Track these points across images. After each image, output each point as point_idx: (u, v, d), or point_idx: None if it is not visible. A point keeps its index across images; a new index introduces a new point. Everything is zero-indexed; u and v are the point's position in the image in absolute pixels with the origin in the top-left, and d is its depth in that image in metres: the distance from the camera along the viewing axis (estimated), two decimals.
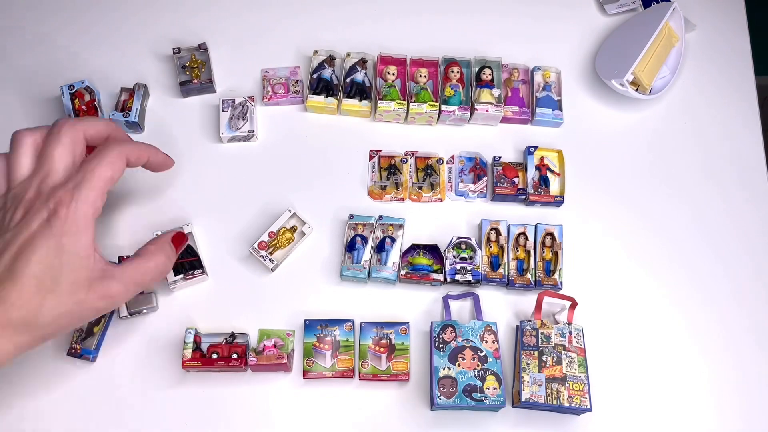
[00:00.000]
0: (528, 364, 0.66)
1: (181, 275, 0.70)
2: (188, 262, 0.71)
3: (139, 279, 0.59)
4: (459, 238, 0.73)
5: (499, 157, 0.77)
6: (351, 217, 0.73)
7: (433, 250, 0.73)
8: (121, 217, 0.74)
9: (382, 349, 0.69)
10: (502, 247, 0.73)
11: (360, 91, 0.79)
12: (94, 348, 0.68)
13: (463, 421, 0.68)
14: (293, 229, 0.73)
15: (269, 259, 0.71)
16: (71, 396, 0.68)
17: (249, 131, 0.76)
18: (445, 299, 0.72)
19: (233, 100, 0.78)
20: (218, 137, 0.78)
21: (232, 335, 0.69)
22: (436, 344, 0.67)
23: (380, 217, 0.74)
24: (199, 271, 0.71)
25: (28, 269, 0.52)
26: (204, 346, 0.68)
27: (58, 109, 0.78)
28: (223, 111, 0.77)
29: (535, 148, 0.78)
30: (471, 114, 0.79)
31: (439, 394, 0.65)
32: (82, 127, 0.60)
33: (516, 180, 0.77)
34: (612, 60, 0.81)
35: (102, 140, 0.62)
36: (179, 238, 0.66)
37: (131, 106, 0.76)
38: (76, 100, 0.75)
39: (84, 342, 0.68)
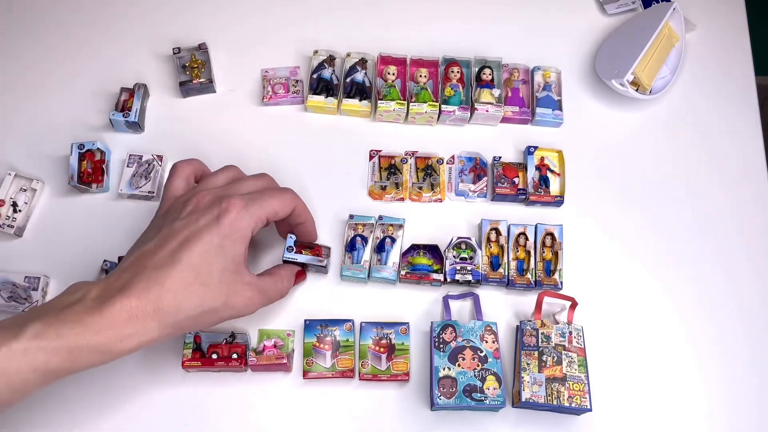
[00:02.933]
0: (528, 364, 0.66)
1: None
2: None
3: (270, 294, 0.64)
4: (459, 238, 0.73)
5: (499, 157, 0.77)
6: (351, 217, 0.73)
7: (433, 250, 0.73)
8: (121, 217, 0.74)
9: (382, 349, 0.69)
10: (502, 247, 0.73)
11: (360, 91, 0.79)
12: None
13: (463, 421, 0.68)
14: None
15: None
16: (71, 396, 0.68)
17: (149, 192, 0.74)
18: (445, 299, 0.72)
19: (140, 157, 0.75)
20: (218, 137, 0.78)
21: (232, 335, 0.69)
22: (436, 344, 0.67)
23: (380, 217, 0.74)
24: None
25: (190, 259, 0.56)
26: (204, 346, 0.68)
27: (59, 110, 0.78)
28: (127, 166, 0.74)
29: (535, 148, 0.78)
30: (471, 114, 0.79)
31: (439, 394, 0.65)
32: (297, 201, 0.66)
33: (516, 180, 0.77)
34: (612, 60, 0.81)
35: (299, 222, 0.68)
36: (300, 274, 0.71)
37: (131, 106, 0.76)
38: (84, 162, 0.73)
39: None
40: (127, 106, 0.76)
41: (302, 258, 0.69)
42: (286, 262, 0.69)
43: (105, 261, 0.71)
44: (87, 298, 0.54)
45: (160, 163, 0.75)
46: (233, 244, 0.58)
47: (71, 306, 0.54)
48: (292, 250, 0.70)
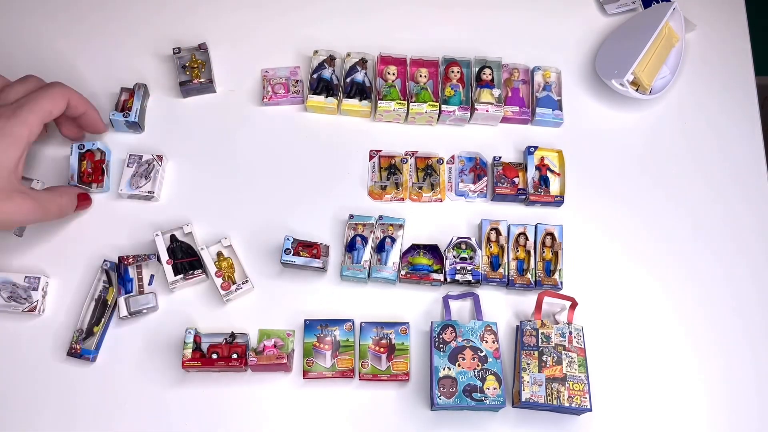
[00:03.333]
0: (528, 364, 0.66)
1: (181, 275, 0.70)
2: (188, 262, 0.71)
3: (48, 207, 0.65)
4: (459, 238, 0.73)
5: (499, 157, 0.77)
6: (351, 217, 0.73)
7: (433, 250, 0.73)
8: (121, 217, 0.74)
9: (382, 349, 0.69)
10: (502, 247, 0.73)
11: (360, 91, 0.79)
12: (94, 348, 0.68)
13: (463, 421, 0.68)
14: (220, 255, 0.72)
15: (241, 286, 0.70)
16: (71, 396, 0.68)
17: (149, 192, 0.74)
18: (445, 299, 0.72)
19: (140, 157, 0.75)
20: (218, 137, 0.78)
21: (232, 335, 0.69)
22: (436, 344, 0.67)
23: (380, 217, 0.74)
24: (199, 271, 0.71)
25: None
26: (204, 346, 0.68)
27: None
28: (127, 166, 0.75)
29: (535, 148, 0.78)
30: (471, 114, 0.79)
31: (439, 394, 0.65)
32: (69, 93, 0.67)
33: (516, 180, 0.77)
34: (612, 60, 0.81)
35: (78, 113, 0.69)
36: (84, 197, 0.72)
37: (131, 106, 0.76)
38: (84, 162, 0.74)
39: (84, 342, 0.68)
40: (127, 106, 0.76)
41: (299, 260, 0.70)
42: (284, 264, 0.70)
43: (105, 261, 0.71)
44: None
45: (160, 163, 0.75)
46: (4, 149, 0.60)
47: None
48: (290, 252, 0.70)
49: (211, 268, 0.71)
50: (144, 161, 0.75)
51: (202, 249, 0.71)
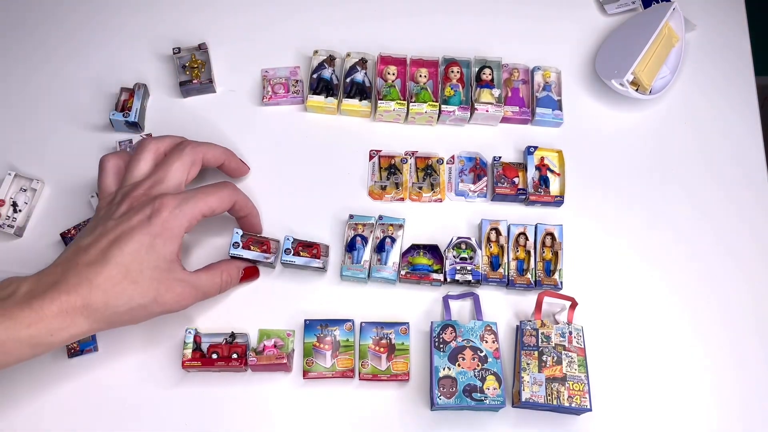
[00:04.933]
0: (528, 364, 0.66)
1: None
2: None
3: (206, 289, 0.66)
4: (459, 238, 0.73)
5: (499, 157, 0.77)
6: (351, 217, 0.73)
7: (433, 250, 0.73)
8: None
9: (382, 349, 0.69)
10: (502, 247, 0.73)
11: (360, 91, 0.79)
12: (91, 339, 0.69)
13: (463, 421, 0.68)
14: None
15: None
16: (72, 396, 0.68)
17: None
18: (445, 299, 0.72)
19: (130, 141, 0.76)
20: (218, 137, 0.78)
21: (232, 335, 0.69)
22: (436, 344, 0.67)
23: (380, 217, 0.74)
24: None
25: (120, 258, 0.58)
26: (204, 346, 0.68)
27: (56, 109, 0.78)
28: None
29: (535, 148, 0.78)
30: (471, 114, 0.79)
31: (439, 394, 0.65)
32: (203, 151, 0.67)
33: (516, 180, 0.77)
34: (612, 60, 0.81)
35: (217, 164, 0.70)
36: (252, 271, 0.72)
37: (131, 106, 0.76)
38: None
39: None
40: (127, 106, 0.76)
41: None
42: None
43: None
44: (18, 293, 0.56)
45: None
46: (164, 242, 0.60)
47: (2, 301, 0.56)
48: (290, 252, 0.70)
49: None
50: (135, 145, 0.75)
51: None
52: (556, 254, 0.73)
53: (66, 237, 0.71)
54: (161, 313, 0.62)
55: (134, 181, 0.64)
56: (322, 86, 0.79)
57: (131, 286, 0.58)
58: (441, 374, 0.65)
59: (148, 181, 0.63)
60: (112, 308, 0.58)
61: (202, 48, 0.80)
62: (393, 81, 0.80)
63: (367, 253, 0.72)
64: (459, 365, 0.66)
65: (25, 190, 0.74)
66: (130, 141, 0.75)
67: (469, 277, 0.71)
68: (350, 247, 0.72)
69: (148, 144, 0.66)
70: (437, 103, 0.78)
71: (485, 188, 0.78)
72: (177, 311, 0.63)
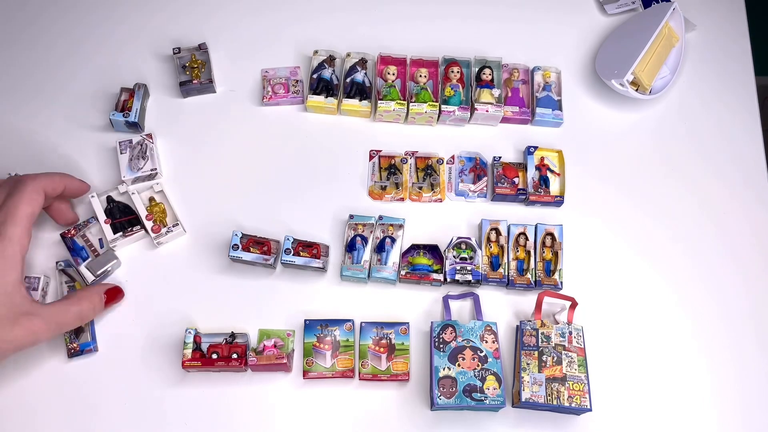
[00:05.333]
0: (528, 364, 0.66)
1: (120, 233, 0.71)
2: (126, 221, 0.72)
3: (62, 320, 0.61)
4: (459, 238, 0.73)
5: (499, 157, 0.77)
6: (351, 217, 0.73)
7: (433, 250, 0.73)
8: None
9: (382, 349, 0.69)
10: (502, 247, 0.73)
11: (360, 91, 0.79)
12: (91, 339, 0.69)
13: (463, 421, 0.68)
14: (152, 200, 0.74)
15: (171, 229, 0.72)
16: (72, 396, 0.68)
17: (152, 170, 0.74)
18: (445, 299, 0.72)
19: (130, 141, 0.75)
20: (218, 137, 0.78)
21: (232, 335, 0.69)
22: (436, 344, 0.67)
23: (380, 217, 0.74)
24: (138, 227, 0.72)
25: None
26: (204, 346, 0.68)
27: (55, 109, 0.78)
28: (121, 153, 0.75)
29: (535, 148, 0.78)
30: (471, 114, 0.79)
31: (439, 394, 0.65)
32: (40, 182, 0.63)
33: (516, 180, 0.77)
34: (612, 60, 0.81)
35: (57, 193, 0.65)
36: (114, 293, 0.69)
37: (131, 106, 0.76)
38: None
39: (79, 338, 0.68)
40: (127, 106, 0.76)
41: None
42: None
43: (57, 262, 0.71)
44: None
45: (151, 140, 0.75)
46: (1, 276, 0.56)
47: None
48: (290, 252, 0.70)
49: (142, 211, 0.72)
50: (135, 143, 0.75)
51: (132, 193, 0.72)
52: (556, 254, 0.73)
53: (66, 237, 0.71)
54: (15, 350, 0.58)
55: None
56: (322, 86, 0.79)
57: None
58: (441, 374, 0.65)
59: None
60: None
61: (202, 48, 0.80)
62: (393, 81, 0.80)
63: (367, 253, 0.72)
64: (459, 365, 0.66)
65: None
66: (130, 141, 0.75)
67: (469, 277, 0.71)
68: (350, 247, 0.72)
69: None
70: (437, 103, 0.78)
71: (485, 188, 0.78)
72: (36, 345, 0.60)
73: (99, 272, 0.69)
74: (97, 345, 0.69)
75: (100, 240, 0.72)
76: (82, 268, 0.70)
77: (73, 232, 0.71)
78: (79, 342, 0.68)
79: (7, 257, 0.57)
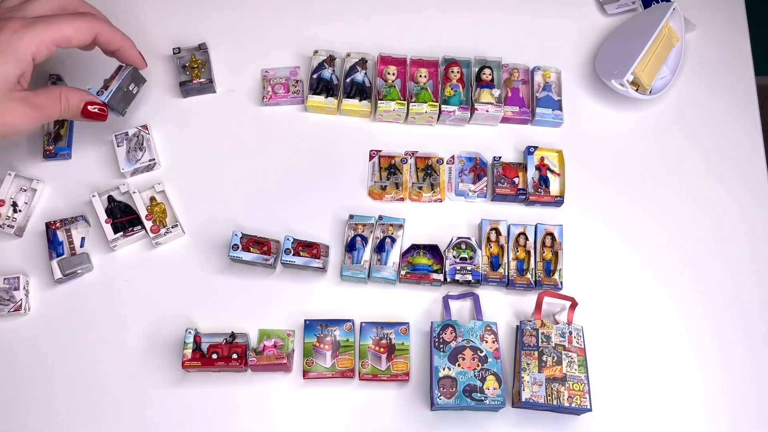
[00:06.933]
0: (528, 364, 0.66)
1: (121, 233, 0.72)
2: (127, 221, 0.72)
3: (48, 111, 0.64)
4: (459, 238, 0.73)
5: (499, 157, 0.77)
6: (351, 217, 0.73)
7: (433, 250, 0.73)
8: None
9: (382, 349, 0.69)
10: (502, 247, 0.73)
11: (360, 91, 0.79)
12: (66, 146, 0.72)
13: (463, 421, 0.68)
14: (153, 200, 0.74)
15: (171, 230, 0.72)
16: (72, 396, 0.68)
17: (150, 160, 0.74)
18: (445, 299, 0.72)
19: (126, 133, 0.75)
20: (220, 136, 0.78)
21: (232, 335, 0.69)
22: (436, 344, 0.67)
23: (380, 217, 0.74)
24: (138, 227, 0.72)
25: None
26: (204, 346, 0.68)
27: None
28: (118, 146, 0.75)
29: (535, 148, 0.78)
30: (471, 114, 0.79)
31: (439, 394, 0.65)
32: (98, 27, 0.65)
33: (516, 180, 0.77)
34: (612, 60, 0.81)
35: (111, 49, 0.68)
36: (95, 113, 0.69)
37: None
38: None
39: (56, 144, 0.72)
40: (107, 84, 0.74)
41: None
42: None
43: (51, 75, 0.77)
44: None
45: (147, 131, 0.75)
46: (5, 63, 0.59)
47: None
48: (290, 252, 0.70)
49: (142, 212, 0.72)
50: (132, 135, 0.75)
51: (133, 192, 0.72)
52: (556, 254, 0.73)
53: (50, 227, 0.72)
54: (5, 134, 0.61)
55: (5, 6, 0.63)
56: (322, 86, 0.79)
57: None
58: (441, 374, 0.65)
59: (15, 9, 0.62)
60: None
61: (202, 48, 0.80)
62: (393, 81, 0.80)
63: (367, 253, 0.72)
64: (459, 365, 0.66)
65: (25, 190, 0.74)
66: (126, 133, 0.75)
67: (469, 277, 0.71)
68: (350, 247, 0.72)
69: None
70: (437, 103, 0.78)
71: (485, 188, 0.78)
72: (22, 131, 0.62)
73: (67, 272, 0.70)
74: (72, 153, 0.71)
75: (83, 239, 0.72)
76: (53, 263, 0.70)
77: (58, 224, 0.71)
78: (55, 146, 0.72)
79: (16, 48, 0.60)
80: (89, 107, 0.68)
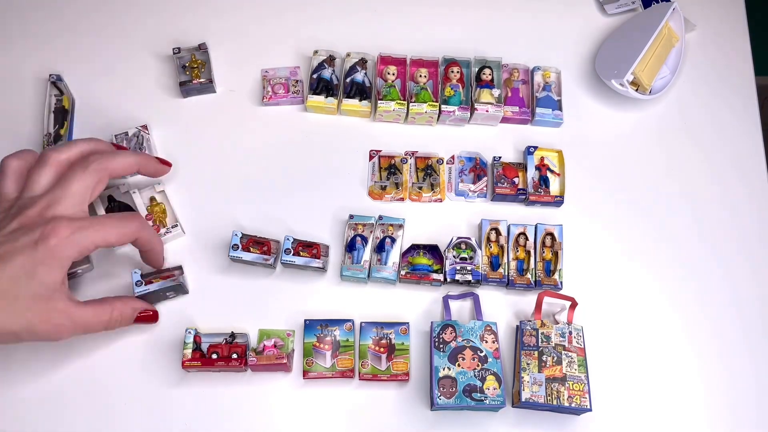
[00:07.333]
0: (528, 364, 0.66)
1: None
2: None
3: (88, 326, 0.62)
4: (459, 238, 0.73)
5: (499, 157, 0.77)
6: (351, 217, 0.73)
7: (433, 250, 0.73)
8: None
9: (382, 349, 0.69)
10: (502, 247, 0.74)
11: (360, 91, 0.79)
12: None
13: (463, 421, 0.68)
14: (153, 200, 0.74)
15: (170, 230, 0.72)
16: (72, 396, 0.68)
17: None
18: (445, 299, 0.72)
19: (126, 133, 0.75)
20: (220, 136, 0.78)
21: (232, 335, 0.69)
22: (436, 344, 0.67)
23: (380, 217, 0.74)
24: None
25: None
26: (204, 346, 0.68)
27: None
28: None
29: (535, 148, 0.78)
30: (471, 114, 0.79)
31: (439, 394, 0.65)
32: (111, 167, 0.63)
33: (516, 180, 0.77)
34: (612, 60, 0.81)
35: (129, 173, 0.67)
36: (149, 317, 0.68)
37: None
38: None
39: (56, 144, 0.73)
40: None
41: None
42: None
43: (50, 75, 0.76)
44: None
45: (147, 131, 0.75)
46: (48, 270, 0.57)
47: None
48: (290, 252, 0.70)
49: (142, 211, 0.72)
50: (132, 135, 0.75)
51: (133, 192, 0.72)
52: (556, 254, 0.73)
53: None
54: (33, 341, 0.59)
55: (31, 195, 0.60)
56: (322, 86, 0.79)
57: (3, 312, 0.55)
58: (441, 374, 0.65)
59: (44, 199, 0.59)
60: None
61: (202, 48, 0.80)
62: (393, 81, 0.80)
63: (367, 253, 0.72)
64: (459, 365, 0.66)
65: None
66: (126, 133, 0.75)
67: (469, 277, 0.71)
68: (350, 247, 0.72)
69: (50, 156, 0.62)
70: (437, 103, 0.78)
71: (485, 188, 0.78)
72: (51, 341, 0.60)
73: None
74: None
75: None
76: None
77: None
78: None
79: (62, 257, 0.57)
80: (141, 314, 0.67)
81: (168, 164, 0.71)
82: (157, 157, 0.70)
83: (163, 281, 0.68)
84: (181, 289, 0.70)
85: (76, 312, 0.60)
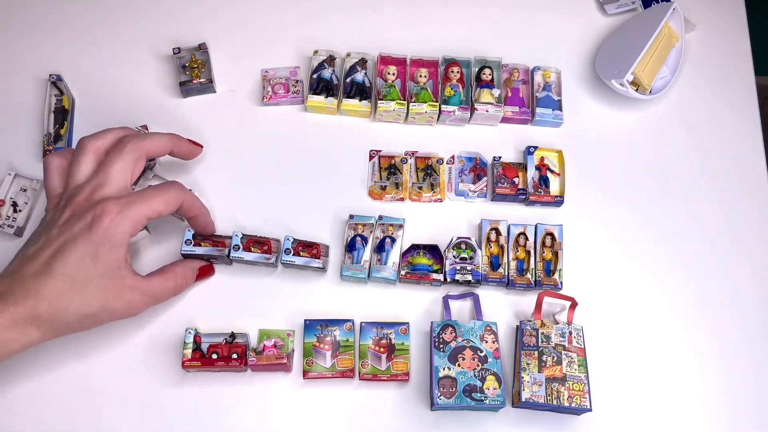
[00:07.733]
0: (528, 364, 0.66)
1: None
2: None
3: (159, 295, 0.65)
4: (459, 238, 0.73)
5: (499, 157, 0.77)
6: (351, 217, 0.73)
7: (433, 250, 0.73)
8: None
9: (382, 349, 0.69)
10: (502, 247, 0.74)
11: (360, 91, 0.79)
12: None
13: (463, 421, 0.68)
14: None
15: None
16: (72, 396, 0.68)
17: (149, 160, 0.72)
18: (445, 299, 0.72)
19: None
20: (218, 137, 0.78)
21: (232, 335, 0.69)
22: (436, 344, 0.67)
23: (380, 217, 0.74)
24: None
25: (64, 268, 0.57)
26: (204, 346, 0.68)
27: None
28: None
29: (535, 148, 0.78)
30: (471, 114, 0.79)
31: (439, 394, 0.65)
32: (147, 146, 0.65)
33: (516, 180, 0.77)
34: (612, 60, 0.81)
35: (164, 154, 0.68)
36: (206, 270, 0.71)
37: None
38: None
39: (56, 144, 0.74)
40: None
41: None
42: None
43: (50, 75, 0.77)
44: None
45: (146, 131, 0.75)
46: (109, 250, 0.59)
47: None
48: (290, 252, 0.70)
49: None
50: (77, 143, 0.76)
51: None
52: (556, 254, 0.73)
53: None
54: (112, 320, 0.61)
55: (76, 185, 0.62)
56: (322, 86, 0.79)
57: (78, 297, 0.58)
58: (441, 374, 0.65)
59: (89, 185, 0.61)
60: (60, 318, 0.57)
61: (202, 48, 0.80)
62: (393, 81, 0.80)
63: (367, 253, 0.72)
64: (459, 365, 0.66)
65: (25, 190, 0.74)
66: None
67: (469, 277, 0.71)
68: (350, 247, 0.72)
69: (87, 144, 0.63)
70: (437, 103, 0.78)
71: (485, 188, 0.78)
72: (130, 317, 0.63)
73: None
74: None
75: None
76: None
77: None
78: (54, 146, 0.74)
79: (117, 233, 0.59)
80: (202, 275, 0.71)
81: (200, 146, 0.72)
82: (189, 139, 0.71)
83: (211, 247, 0.70)
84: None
85: (144, 285, 0.63)
